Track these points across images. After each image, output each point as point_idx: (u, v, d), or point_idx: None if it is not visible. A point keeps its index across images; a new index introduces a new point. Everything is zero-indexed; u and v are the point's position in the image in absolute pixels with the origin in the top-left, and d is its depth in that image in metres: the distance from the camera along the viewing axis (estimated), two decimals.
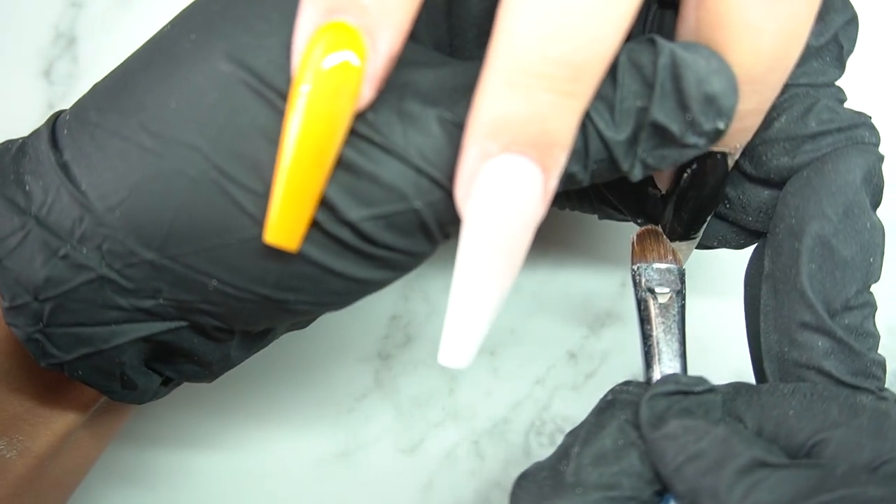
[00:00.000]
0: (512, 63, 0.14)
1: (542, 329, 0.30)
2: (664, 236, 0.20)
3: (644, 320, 0.20)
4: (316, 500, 0.30)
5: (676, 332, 0.20)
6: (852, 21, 0.19)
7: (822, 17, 0.18)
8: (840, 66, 0.19)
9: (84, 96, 0.17)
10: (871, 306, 0.18)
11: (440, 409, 0.30)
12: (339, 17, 0.14)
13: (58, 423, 0.21)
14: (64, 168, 0.16)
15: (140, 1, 0.28)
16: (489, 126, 0.14)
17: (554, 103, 0.14)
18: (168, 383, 0.20)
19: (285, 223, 0.15)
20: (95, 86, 0.17)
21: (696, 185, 0.18)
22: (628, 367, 0.30)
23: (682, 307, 0.20)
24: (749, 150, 0.19)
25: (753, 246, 0.22)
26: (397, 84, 0.15)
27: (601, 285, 0.30)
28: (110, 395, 0.19)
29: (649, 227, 0.21)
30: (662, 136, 0.15)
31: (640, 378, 0.20)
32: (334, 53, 0.14)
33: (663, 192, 0.20)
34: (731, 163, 0.18)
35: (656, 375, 0.19)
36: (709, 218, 0.19)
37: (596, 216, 0.25)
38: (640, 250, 0.20)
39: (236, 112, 0.15)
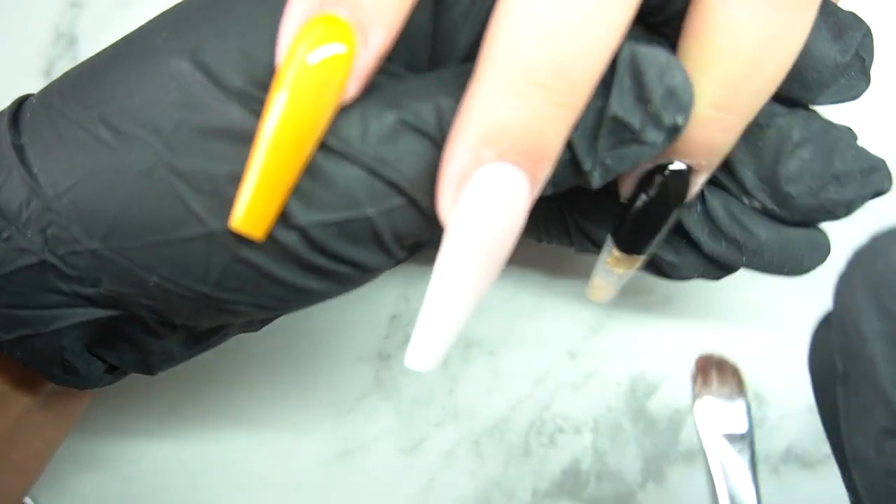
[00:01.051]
0: (512, 68, 0.14)
1: (542, 329, 0.30)
2: (729, 363, 0.19)
3: (718, 473, 0.18)
4: (316, 499, 0.30)
5: (753, 479, 0.18)
6: (868, 34, 0.18)
7: (841, 36, 0.18)
8: (866, 79, 0.19)
9: (53, 82, 0.17)
10: None
11: (440, 409, 0.30)
12: (331, 9, 0.14)
13: (11, 407, 0.21)
14: (19, 150, 0.16)
15: (140, 1, 0.28)
16: (485, 132, 0.14)
17: (552, 115, 0.14)
18: (113, 371, 0.20)
19: (255, 211, 0.15)
20: (65, 73, 0.17)
21: (659, 196, 0.18)
22: (629, 366, 0.30)
23: (754, 447, 0.18)
24: (772, 190, 0.19)
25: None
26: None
27: None
28: (52, 378, 0.19)
29: (709, 354, 0.19)
30: (622, 132, 0.15)
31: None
32: (324, 45, 0.14)
33: (624, 200, 0.19)
34: (699, 182, 0.18)
35: None
36: (663, 235, 0.19)
37: (573, 249, 0.25)
38: (704, 380, 0.18)
39: (193, 112, 0.15)
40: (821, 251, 0.21)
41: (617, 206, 0.21)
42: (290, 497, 0.30)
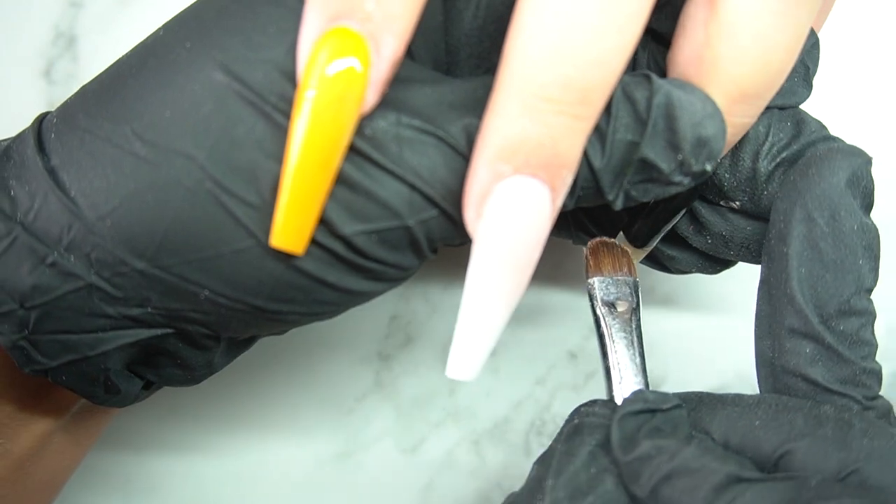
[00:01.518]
0: (524, 87, 0.14)
1: (542, 329, 0.30)
2: (618, 247, 0.20)
3: (605, 336, 0.20)
4: (316, 500, 0.30)
5: (637, 346, 0.20)
6: (816, 45, 0.19)
7: None
8: (808, 87, 0.19)
9: (72, 99, 0.17)
10: (869, 314, 0.18)
11: (441, 410, 0.30)
12: (342, 23, 0.14)
13: (37, 425, 0.21)
14: (52, 173, 0.16)
15: (140, 1, 0.28)
16: (502, 148, 0.14)
17: (565, 126, 0.14)
18: (149, 387, 0.20)
19: (291, 227, 0.15)
20: (84, 88, 0.17)
21: (670, 196, 0.18)
22: None
23: (639, 320, 0.20)
24: (747, 188, 0.19)
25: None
26: (394, 101, 0.16)
27: None
28: (93, 399, 0.19)
29: (602, 238, 0.21)
30: (650, 172, 0.16)
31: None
32: (339, 59, 0.14)
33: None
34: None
35: (621, 393, 0.19)
36: (666, 229, 0.20)
37: (570, 241, 0.25)
38: (595, 263, 0.20)
39: (232, 123, 0.15)
40: None
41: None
42: (290, 497, 0.30)
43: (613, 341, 0.19)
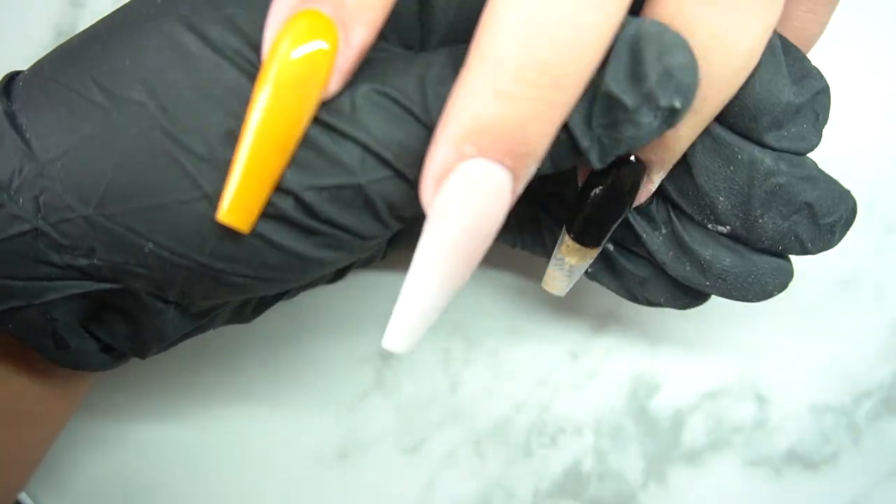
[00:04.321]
0: (498, 68, 0.14)
1: (543, 329, 0.30)
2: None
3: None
4: (316, 499, 0.30)
5: None
6: (825, 91, 0.18)
7: (801, 81, 0.18)
8: (818, 134, 0.19)
9: (45, 56, 0.18)
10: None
11: (441, 409, 0.30)
12: (314, 5, 0.14)
13: (11, 383, 0.21)
14: (10, 116, 0.16)
15: None
16: (469, 129, 0.14)
17: (537, 112, 0.14)
18: (110, 352, 0.20)
19: (240, 205, 0.15)
20: (57, 46, 0.18)
21: (612, 188, 0.18)
22: (630, 367, 0.30)
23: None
24: (743, 215, 0.19)
25: None
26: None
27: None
28: (43, 352, 0.19)
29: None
30: (615, 110, 0.15)
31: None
32: (306, 42, 0.14)
33: (579, 185, 0.19)
34: (654, 180, 0.18)
35: None
36: (613, 228, 0.19)
37: (512, 246, 0.26)
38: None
39: (187, 75, 0.15)
40: (784, 275, 0.21)
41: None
42: (291, 497, 0.30)
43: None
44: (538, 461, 0.30)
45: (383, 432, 0.30)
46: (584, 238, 0.19)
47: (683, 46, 0.15)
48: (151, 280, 0.17)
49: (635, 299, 0.23)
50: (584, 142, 0.16)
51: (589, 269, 0.23)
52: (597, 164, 0.16)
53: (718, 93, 0.16)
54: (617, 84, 0.15)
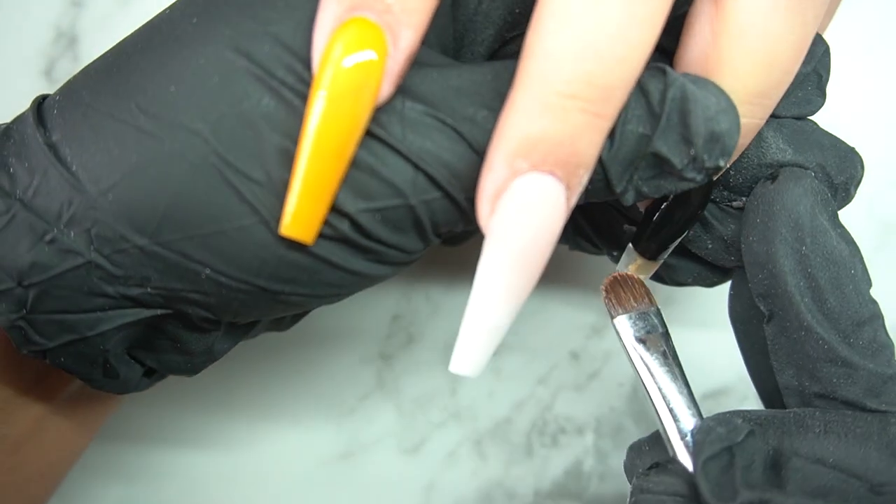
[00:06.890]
0: (546, 83, 0.14)
1: (544, 329, 0.30)
2: (632, 277, 0.20)
3: (646, 377, 0.19)
4: (318, 500, 0.30)
5: (680, 375, 0.19)
6: (827, 52, 0.19)
7: None
8: (822, 95, 0.19)
9: (74, 77, 0.17)
10: (878, 317, 0.18)
11: (442, 409, 0.30)
12: (361, 13, 0.14)
13: (35, 409, 0.21)
14: (52, 148, 0.16)
15: (141, 1, 0.28)
16: (520, 144, 0.14)
17: (585, 124, 0.14)
18: (151, 374, 0.20)
19: (302, 216, 0.15)
20: (87, 67, 0.17)
21: (681, 204, 0.18)
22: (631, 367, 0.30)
23: (674, 348, 0.19)
24: (752, 185, 0.19)
25: None
26: (401, 85, 0.15)
27: None
28: (90, 382, 0.19)
29: (615, 274, 0.20)
30: (661, 167, 0.16)
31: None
32: (357, 51, 0.14)
33: (642, 209, 0.20)
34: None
35: (678, 435, 0.18)
36: (681, 238, 0.19)
37: (567, 247, 0.25)
38: (616, 300, 0.19)
39: (238, 99, 0.15)
40: None
41: (618, 214, 0.22)
42: (292, 497, 0.30)
43: (656, 379, 0.18)
44: (539, 461, 0.30)
45: (384, 432, 0.30)
46: (656, 255, 0.20)
47: (727, 110, 0.15)
48: (206, 305, 0.17)
49: (662, 281, 0.23)
50: (619, 187, 0.16)
51: (615, 253, 0.23)
52: (629, 203, 0.16)
53: (779, 93, 0.16)
54: (666, 145, 0.15)
